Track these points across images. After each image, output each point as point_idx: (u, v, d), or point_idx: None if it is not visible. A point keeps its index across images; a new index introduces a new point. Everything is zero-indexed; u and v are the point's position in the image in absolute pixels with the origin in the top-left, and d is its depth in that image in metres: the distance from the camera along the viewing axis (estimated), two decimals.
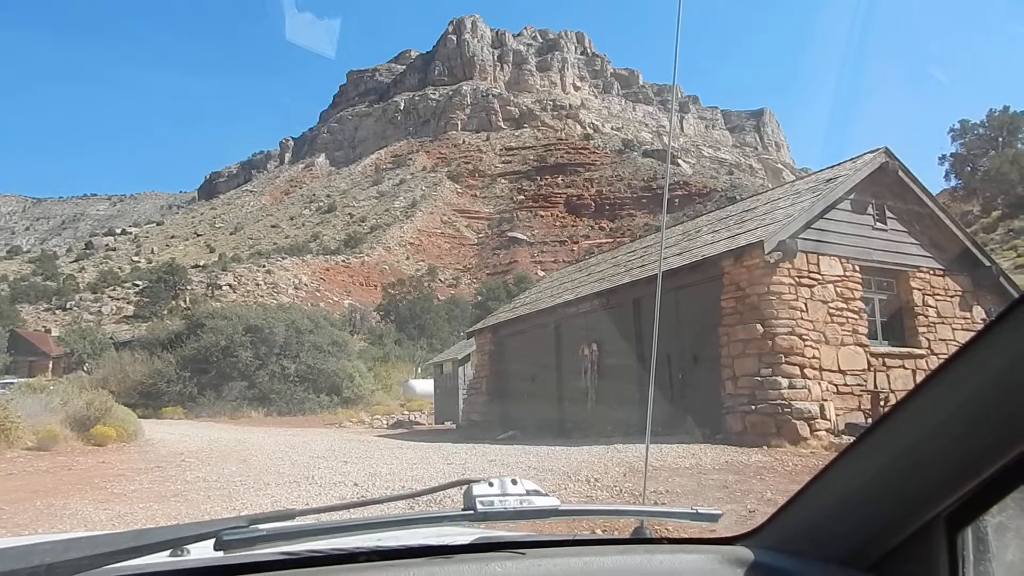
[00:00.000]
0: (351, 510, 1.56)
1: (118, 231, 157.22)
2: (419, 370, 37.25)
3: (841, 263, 12.96)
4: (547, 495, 1.36)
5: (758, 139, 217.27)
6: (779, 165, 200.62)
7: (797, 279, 12.41)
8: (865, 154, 14.07)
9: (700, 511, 1.40)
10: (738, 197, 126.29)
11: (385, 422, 25.97)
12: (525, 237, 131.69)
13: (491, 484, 1.31)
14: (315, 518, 1.30)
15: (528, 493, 1.33)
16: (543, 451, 12.03)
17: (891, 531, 0.97)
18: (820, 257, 12.78)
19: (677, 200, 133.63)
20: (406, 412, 27.65)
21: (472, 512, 1.24)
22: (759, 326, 12.06)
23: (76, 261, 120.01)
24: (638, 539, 1.39)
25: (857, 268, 13.11)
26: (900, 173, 13.76)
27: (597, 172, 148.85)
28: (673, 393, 13.85)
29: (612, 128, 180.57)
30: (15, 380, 31.50)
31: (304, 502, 8.29)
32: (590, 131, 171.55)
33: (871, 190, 13.66)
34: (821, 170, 15.08)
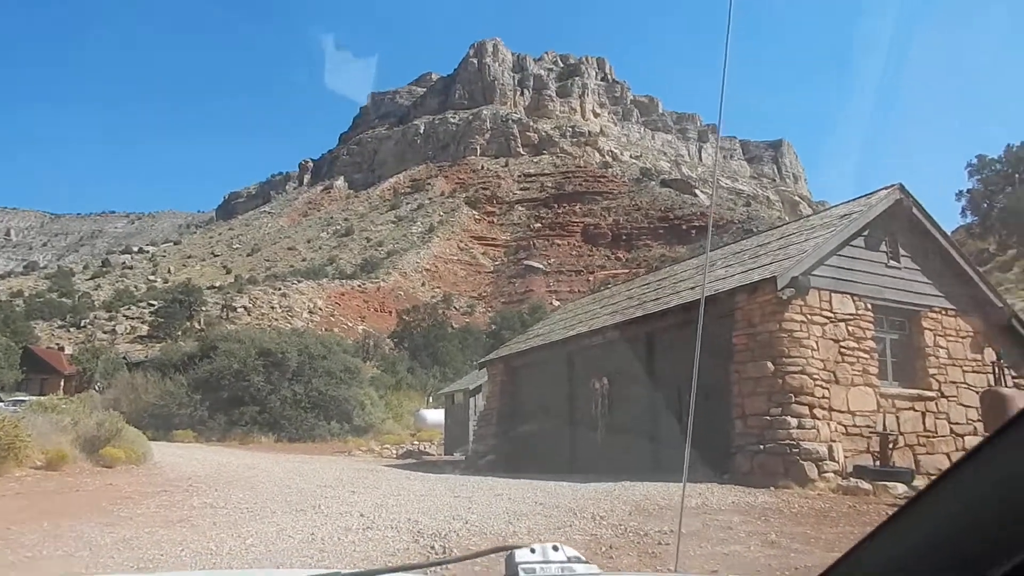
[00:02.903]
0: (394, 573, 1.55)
1: (135, 249, 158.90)
2: (431, 399, 37.15)
3: (853, 301, 12.89)
4: (587, 562, 1.37)
5: (776, 170, 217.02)
6: (797, 197, 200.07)
7: (809, 316, 12.35)
8: (879, 190, 14.05)
9: None
10: (755, 229, 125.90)
11: (394, 451, 25.92)
12: (541, 266, 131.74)
13: (533, 551, 1.34)
14: None
15: (569, 560, 1.34)
16: (550, 486, 11.95)
17: None
18: (833, 294, 12.72)
19: (694, 231, 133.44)
20: (416, 442, 27.60)
21: None
22: (770, 364, 12.00)
23: (92, 278, 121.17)
24: None
25: (869, 306, 13.03)
26: (914, 210, 13.73)
27: (615, 201, 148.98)
28: (683, 430, 13.73)
29: (631, 156, 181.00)
30: (27, 397, 31.71)
31: (309, 532, 8.27)
32: (609, 159, 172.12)
33: (885, 227, 13.62)
34: (835, 205, 15.05)
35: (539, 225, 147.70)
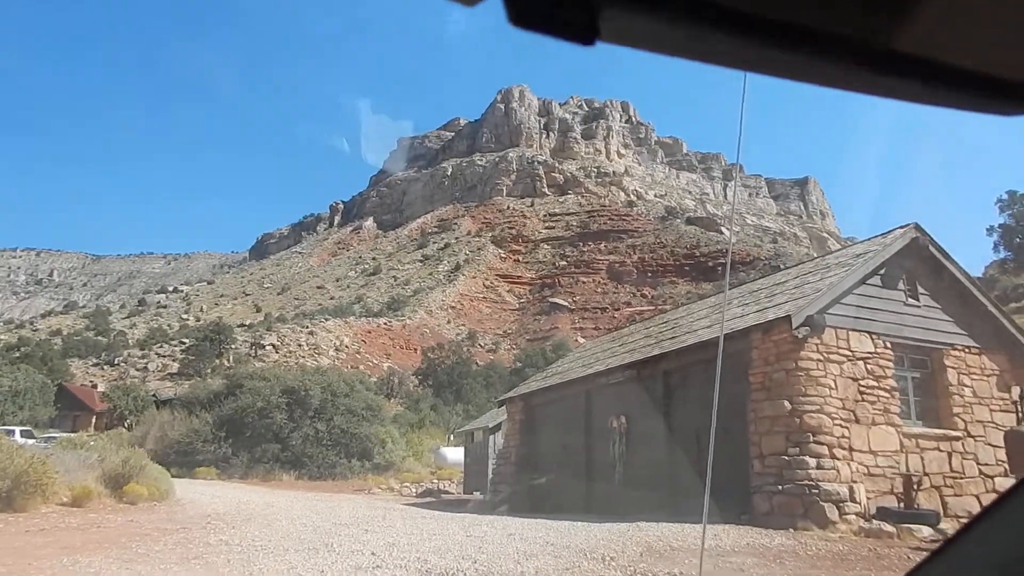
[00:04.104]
0: None
1: (170, 289, 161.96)
2: (451, 437, 37.01)
3: (872, 339, 12.78)
4: None
5: (802, 207, 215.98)
6: (824, 234, 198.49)
7: (826, 355, 12.26)
8: (895, 229, 14.01)
9: None
10: (782, 266, 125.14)
11: (414, 490, 25.84)
12: (566, 303, 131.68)
13: None
14: None
15: None
16: (564, 526, 11.87)
17: None
18: (850, 333, 12.62)
19: (719, 268, 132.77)
20: (436, 480, 27.51)
21: None
22: (787, 403, 11.90)
23: (128, 317, 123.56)
24: None
25: (889, 345, 12.89)
26: (931, 248, 13.64)
27: (640, 239, 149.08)
28: (701, 470, 13.60)
29: (655, 195, 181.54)
30: (58, 434, 32.25)
31: (320, 570, 8.33)
32: (633, 198, 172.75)
33: (902, 265, 13.53)
34: (852, 244, 15.00)
35: (564, 263, 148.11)
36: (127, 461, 16.02)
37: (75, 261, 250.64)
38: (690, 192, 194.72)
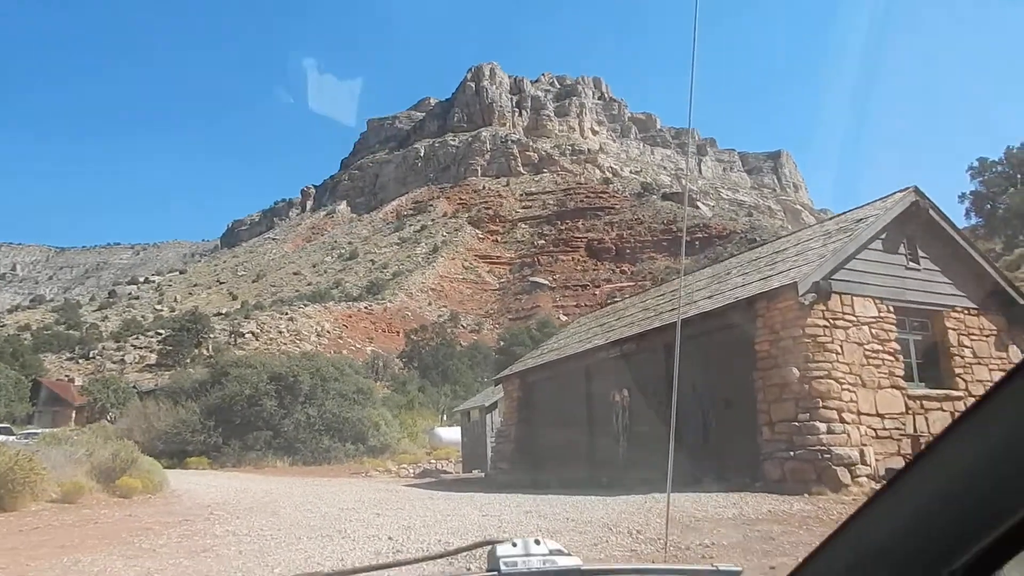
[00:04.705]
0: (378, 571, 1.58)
1: (141, 280, 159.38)
2: (444, 417, 36.84)
3: (875, 304, 12.73)
4: (569, 555, 1.39)
5: (776, 181, 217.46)
6: (798, 206, 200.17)
7: (832, 321, 12.18)
8: (895, 193, 13.94)
9: (720, 568, 1.45)
10: (758, 239, 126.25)
11: (412, 471, 25.68)
12: (547, 281, 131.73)
13: (515, 544, 1.37)
14: None
15: (551, 553, 1.37)
16: (578, 501, 11.73)
17: None
18: (854, 298, 12.55)
19: (697, 243, 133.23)
20: (433, 461, 27.36)
21: (496, 572, 1.30)
22: (795, 370, 11.82)
23: (99, 310, 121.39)
24: None
25: (891, 309, 12.86)
26: (931, 212, 13.58)
27: (617, 216, 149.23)
28: (708, 440, 13.55)
29: (631, 172, 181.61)
30: (40, 430, 31.57)
31: (338, 557, 8.10)
32: (609, 175, 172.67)
33: (902, 229, 13.48)
34: (851, 210, 14.92)
35: (543, 242, 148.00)
36: (117, 454, 15.64)
37: (38, 254, 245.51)
38: (665, 168, 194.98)
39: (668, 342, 15.00)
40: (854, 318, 12.42)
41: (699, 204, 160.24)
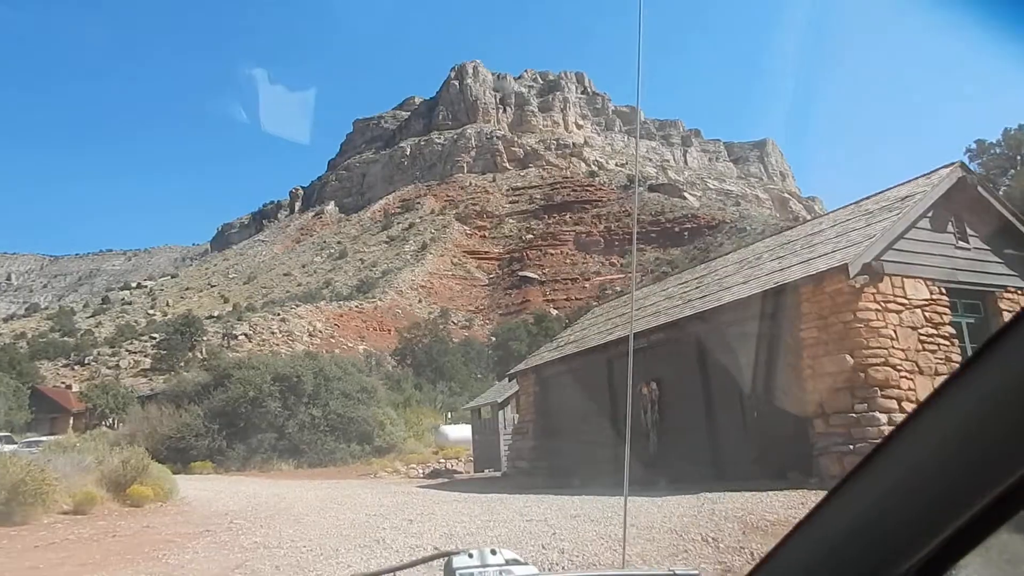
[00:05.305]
0: None
1: (133, 285, 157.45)
2: (449, 415, 36.07)
3: (927, 286, 12.13)
4: (526, 563, 1.38)
5: (762, 169, 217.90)
6: (786, 195, 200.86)
7: (884, 304, 11.58)
8: (940, 169, 13.37)
9: (678, 572, 1.41)
10: (748, 228, 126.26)
11: (421, 471, 24.95)
12: (536, 276, 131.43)
13: (471, 555, 1.35)
14: None
15: (507, 563, 1.35)
16: (619, 502, 11.07)
17: None
18: (904, 280, 11.95)
19: (686, 233, 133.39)
20: (441, 460, 26.62)
21: None
22: (848, 357, 11.22)
23: (93, 316, 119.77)
24: None
25: (943, 290, 12.27)
26: (979, 188, 13.03)
27: (604, 208, 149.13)
28: (749, 434, 12.93)
29: (616, 164, 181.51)
30: (44, 438, 30.63)
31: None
32: (595, 168, 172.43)
33: (949, 207, 12.90)
34: (891, 188, 14.33)
35: (531, 236, 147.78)
36: (128, 462, 14.84)
37: (32, 263, 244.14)
38: (650, 160, 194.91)
39: (699, 331, 14.42)
40: (906, 301, 11.82)
41: (686, 195, 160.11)
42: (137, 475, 14.80)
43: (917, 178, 13.75)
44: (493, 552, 1.35)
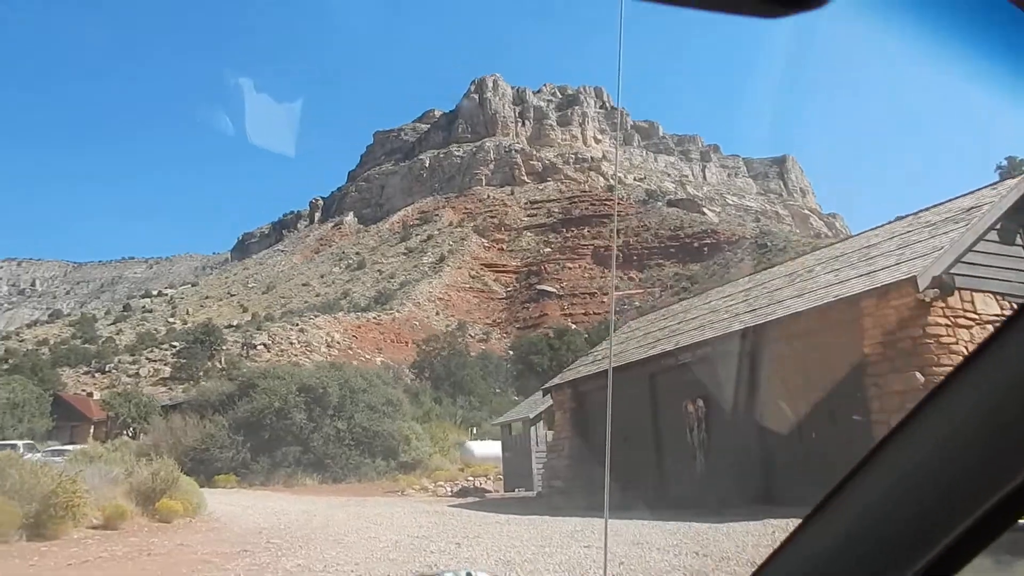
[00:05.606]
0: None
1: (155, 293, 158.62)
2: (474, 431, 35.48)
3: (997, 300, 11.50)
4: None
5: (782, 185, 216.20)
6: (806, 211, 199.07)
7: (953, 320, 11.00)
8: (1005, 180, 12.77)
9: None
10: (769, 244, 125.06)
11: (449, 489, 24.36)
12: (554, 289, 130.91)
13: None
14: None
15: None
16: (680, 528, 10.52)
17: None
18: (974, 294, 11.35)
19: (705, 249, 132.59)
20: (470, 477, 26.01)
21: None
22: (918, 375, 10.62)
23: (114, 323, 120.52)
24: None
25: (1015, 306, 11.63)
26: None
27: (623, 223, 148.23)
28: (808, 457, 12.29)
29: (635, 179, 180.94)
30: (67, 447, 30.33)
31: None
32: (613, 183, 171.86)
33: (1017, 218, 12.28)
34: (954, 198, 13.73)
35: (548, 250, 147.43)
36: (157, 474, 14.42)
37: (56, 269, 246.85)
38: (669, 174, 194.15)
39: (752, 345, 13.82)
40: (976, 316, 11.21)
41: (705, 210, 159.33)
42: (167, 488, 14.38)
43: (981, 189, 13.16)
44: (468, 574, 1.27)
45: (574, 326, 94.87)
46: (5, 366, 65.99)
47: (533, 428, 22.57)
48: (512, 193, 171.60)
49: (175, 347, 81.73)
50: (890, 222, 15.94)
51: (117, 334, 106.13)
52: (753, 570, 1.12)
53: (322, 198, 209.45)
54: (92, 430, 49.48)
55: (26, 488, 11.33)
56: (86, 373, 79.01)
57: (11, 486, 11.38)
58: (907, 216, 14.89)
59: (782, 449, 13.04)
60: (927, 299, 10.86)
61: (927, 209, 14.26)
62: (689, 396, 15.17)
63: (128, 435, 44.24)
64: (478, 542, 10.55)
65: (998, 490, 0.76)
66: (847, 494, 0.94)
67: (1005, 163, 57.13)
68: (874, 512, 0.90)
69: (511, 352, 79.28)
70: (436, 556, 9.40)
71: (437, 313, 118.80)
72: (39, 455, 23.43)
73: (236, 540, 11.86)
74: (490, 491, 23.77)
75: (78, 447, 28.83)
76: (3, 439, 29.86)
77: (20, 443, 27.70)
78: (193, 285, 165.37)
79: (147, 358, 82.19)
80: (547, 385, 21.64)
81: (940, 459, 0.82)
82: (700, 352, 14.99)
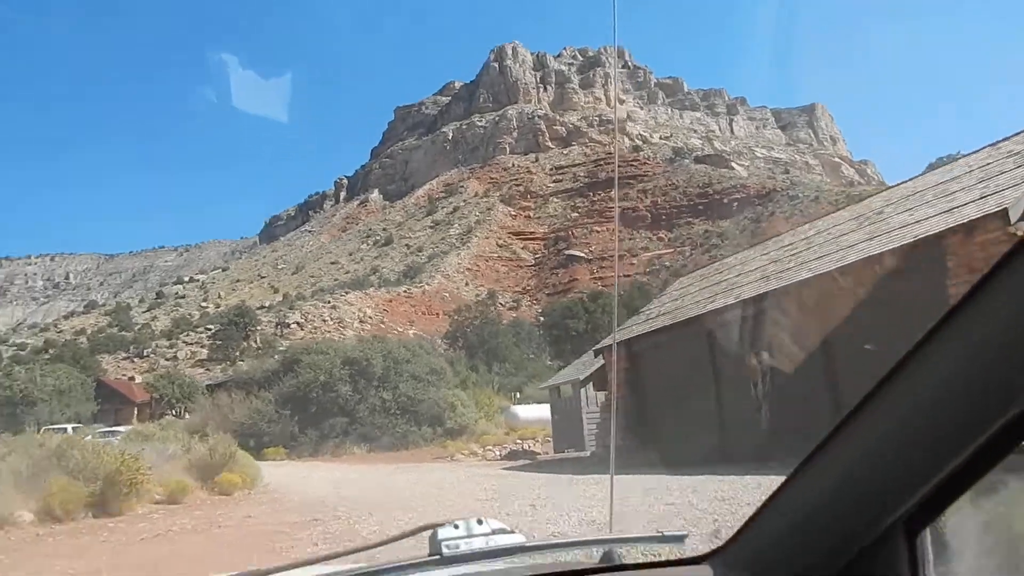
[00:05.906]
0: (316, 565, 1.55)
1: (186, 279, 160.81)
2: (516, 395, 35.35)
3: None
4: (513, 532, 1.34)
5: (812, 135, 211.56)
6: (837, 159, 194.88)
7: None
8: None
9: (666, 534, 1.44)
10: (800, 195, 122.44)
11: (498, 453, 24.22)
12: (583, 254, 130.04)
13: (456, 526, 1.32)
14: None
15: (494, 532, 1.32)
16: (753, 482, 10.06)
17: (852, 540, 0.97)
18: None
19: (735, 203, 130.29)
20: (517, 441, 25.87)
21: (439, 557, 1.26)
22: None
23: (149, 310, 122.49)
24: (606, 567, 1.35)
25: None
26: None
27: (650, 183, 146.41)
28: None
29: (661, 138, 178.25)
30: (119, 428, 30.84)
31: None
32: (639, 143, 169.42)
33: None
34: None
35: (576, 214, 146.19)
36: (215, 449, 14.32)
37: (89, 262, 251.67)
38: (695, 131, 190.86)
39: (820, 294, 13.20)
40: None
41: (733, 164, 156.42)
42: (225, 462, 14.30)
43: None
44: (480, 522, 1.30)
45: (604, 289, 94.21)
46: (47, 356, 67.59)
47: (583, 389, 22.22)
48: (537, 160, 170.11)
49: (210, 330, 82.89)
50: (941, 159, 15.11)
51: (152, 320, 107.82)
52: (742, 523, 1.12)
53: (347, 177, 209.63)
54: (136, 412, 50.79)
55: (89, 467, 11.29)
56: (125, 359, 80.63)
57: (74, 466, 11.34)
58: (977, 151, 14.02)
59: (853, 399, 12.48)
60: (1020, 232, 10.15)
61: (1007, 139, 13.41)
62: (753, 349, 14.62)
63: (172, 415, 45.27)
64: (552, 503, 10.22)
65: (980, 434, 0.77)
66: (837, 441, 0.95)
67: None
68: (863, 458, 0.92)
69: (542, 318, 79.03)
70: (519, 519, 9.05)
71: (466, 284, 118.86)
72: (88, 437, 23.70)
73: (300, 510, 11.67)
74: (539, 453, 23.57)
75: (128, 428, 29.17)
76: (53, 423, 30.53)
77: (69, 427, 28.37)
78: (224, 270, 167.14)
79: (184, 341, 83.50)
80: (598, 346, 21.22)
81: (925, 405, 0.83)
82: (764, 304, 14.39)
